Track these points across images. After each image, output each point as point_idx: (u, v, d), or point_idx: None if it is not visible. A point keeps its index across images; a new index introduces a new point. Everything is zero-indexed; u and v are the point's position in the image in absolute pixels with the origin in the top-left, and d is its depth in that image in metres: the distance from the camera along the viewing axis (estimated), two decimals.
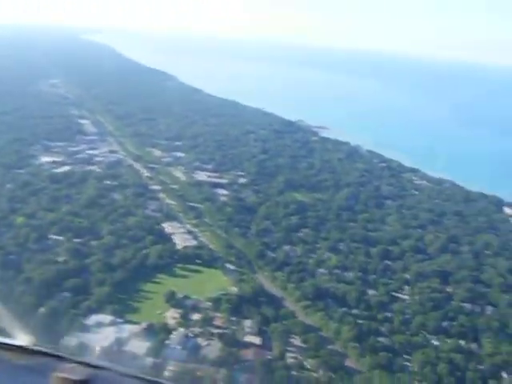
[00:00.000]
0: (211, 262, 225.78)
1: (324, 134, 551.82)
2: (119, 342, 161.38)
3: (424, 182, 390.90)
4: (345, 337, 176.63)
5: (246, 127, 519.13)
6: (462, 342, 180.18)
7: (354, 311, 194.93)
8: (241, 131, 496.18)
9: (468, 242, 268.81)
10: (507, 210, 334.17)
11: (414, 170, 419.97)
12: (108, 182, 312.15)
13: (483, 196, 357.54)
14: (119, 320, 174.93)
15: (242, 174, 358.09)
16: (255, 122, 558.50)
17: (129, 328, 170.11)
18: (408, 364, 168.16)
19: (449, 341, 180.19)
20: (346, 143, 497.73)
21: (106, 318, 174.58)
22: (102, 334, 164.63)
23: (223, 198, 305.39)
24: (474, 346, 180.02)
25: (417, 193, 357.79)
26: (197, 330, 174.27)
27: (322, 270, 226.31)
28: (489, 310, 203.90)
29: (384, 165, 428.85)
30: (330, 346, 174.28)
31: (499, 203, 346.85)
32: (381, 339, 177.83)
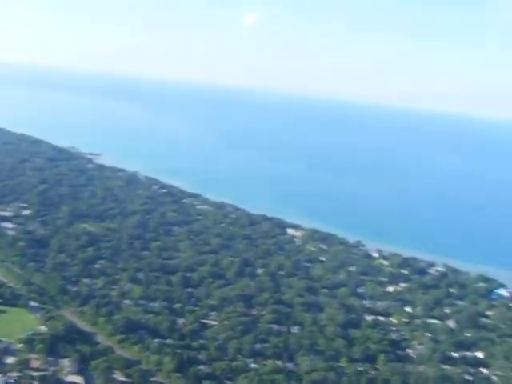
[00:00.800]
0: (13, 300, 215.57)
1: (98, 160, 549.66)
2: None
3: (206, 206, 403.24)
4: (166, 368, 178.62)
5: (19, 155, 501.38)
6: (279, 363, 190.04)
7: (169, 341, 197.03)
8: (15, 160, 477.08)
9: (262, 265, 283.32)
10: (291, 231, 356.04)
11: (194, 195, 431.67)
12: None
13: (266, 218, 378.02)
14: None
15: (25, 205, 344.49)
16: (28, 149, 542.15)
17: None
18: None
19: (266, 362, 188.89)
20: (123, 170, 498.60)
21: None
22: None
23: (11, 232, 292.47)
24: (290, 365, 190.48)
25: (202, 218, 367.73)
26: (15, 374, 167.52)
27: (127, 302, 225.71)
28: (295, 329, 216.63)
29: (165, 191, 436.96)
30: (153, 379, 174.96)
31: (282, 224, 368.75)
32: (201, 367, 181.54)
